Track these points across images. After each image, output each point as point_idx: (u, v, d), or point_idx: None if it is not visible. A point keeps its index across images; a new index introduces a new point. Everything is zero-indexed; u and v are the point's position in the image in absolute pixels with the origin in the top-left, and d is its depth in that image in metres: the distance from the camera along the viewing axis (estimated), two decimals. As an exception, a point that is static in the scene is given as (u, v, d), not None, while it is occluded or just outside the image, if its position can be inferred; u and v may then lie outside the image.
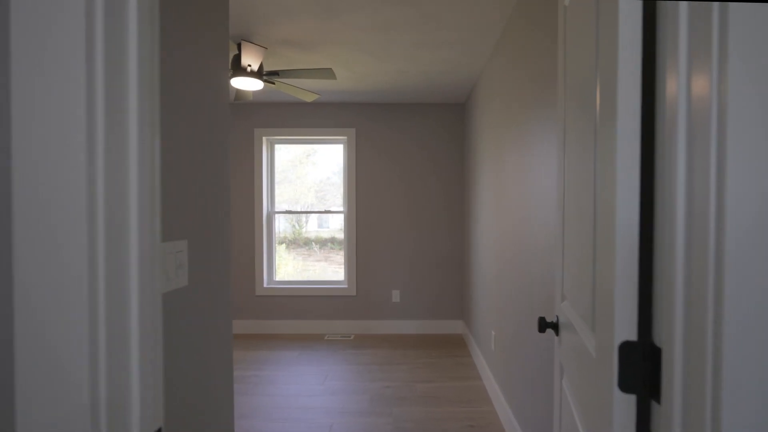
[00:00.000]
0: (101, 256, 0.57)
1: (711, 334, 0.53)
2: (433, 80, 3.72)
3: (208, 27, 1.20)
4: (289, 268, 4.74)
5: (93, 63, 0.55)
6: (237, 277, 4.64)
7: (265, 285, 4.64)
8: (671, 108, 0.61)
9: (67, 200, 0.55)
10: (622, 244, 0.69)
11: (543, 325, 1.34)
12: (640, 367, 0.66)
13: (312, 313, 4.63)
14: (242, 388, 3.14)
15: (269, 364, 3.63)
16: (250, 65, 2.80)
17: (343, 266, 4.74)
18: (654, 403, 0.66)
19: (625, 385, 0.68)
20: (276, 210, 4.78)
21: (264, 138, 4.63)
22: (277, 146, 4.80)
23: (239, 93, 3.31)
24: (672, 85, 0.61)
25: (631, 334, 0.68)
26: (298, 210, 4.80)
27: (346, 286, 4.63)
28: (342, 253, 4.73)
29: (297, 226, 4.73)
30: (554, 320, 1.34)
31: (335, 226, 4.74)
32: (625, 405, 0.68)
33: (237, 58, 2.85)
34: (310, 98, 3.44)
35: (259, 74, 2.93)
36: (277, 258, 4.78)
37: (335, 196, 4.73)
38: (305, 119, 4.59)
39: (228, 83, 1.32)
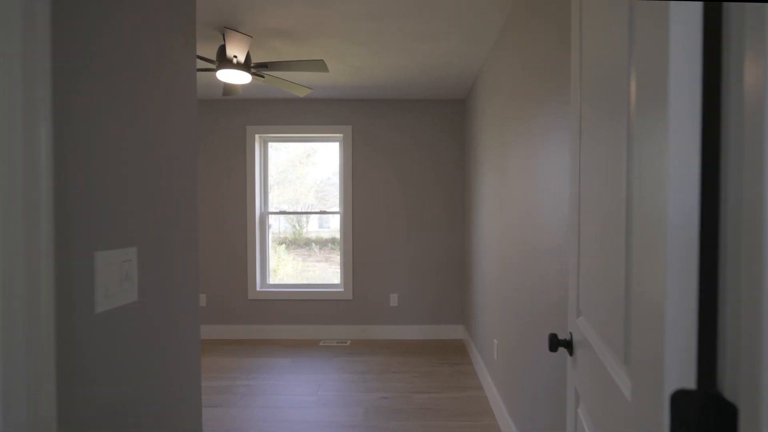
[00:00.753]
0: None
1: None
2: (432, 74, 3.55)
3: (164, -3, 1.03)
4: (288, 268, 4.59)
5: None
6: (228, 280, 4.47)
7: (258, 288, 4.47)
8: (755, 94, 0.45)
9: None
10: (674, 254, 0.52)
11: (555, 343, 1.17)
12: (702, 428, 0.49)
13: (307, 318, 4.46)
14: (229, 399, 2.96)
15: (260, 373, 3.46)
16: (236, 56, 2.63)
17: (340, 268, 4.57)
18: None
19: (681, 449, 0.50)
20: (269, 211, 4.61)
21: (257, 135, 4.45)
22: (276, 145, 4.63)
23: (227, 87, 3.14)
24: (755, 70, 0.45)
25: (688, 380, 0.51)
26: (295, 210, 4.64)
27: (342, 289, 4.45)
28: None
29: (297, 227, 4.58)
30: (567, 338, 1.17)
31: (336, 226, 4.58)
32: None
33: (222, 50, 2.68)
34: (302, 93, 3.27)
35: (246, 66, 2.76)
36: (276, 259, 4.62)
37: (336, 197, 4.57)
38: (299, 116, 4.42)
39: (195, 67, 1.15)
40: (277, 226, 4.66)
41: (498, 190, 2.75)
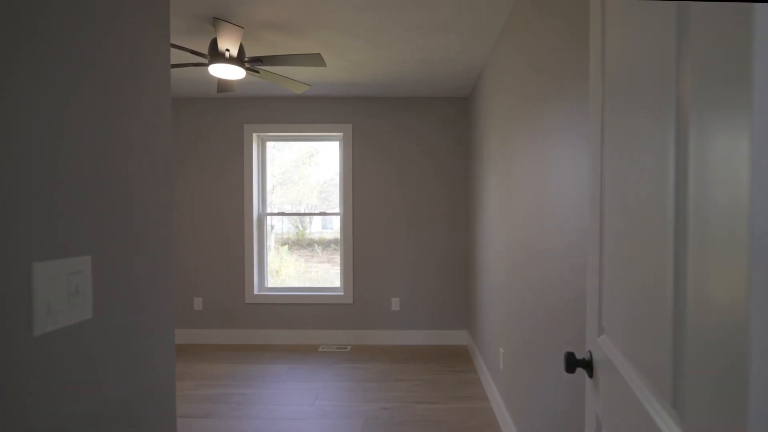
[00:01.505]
0: None
1: None
2: (434, 70, 3.41)
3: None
4: (291, 269, 4.47)
5: None
6: (225, 283, 4.34)
7: (255, 292, 4.35)
8: None
9: None
10: (760, 272, 0.38)
11: (572, 363, 1.03)
12: None
13: (306, 322, 4.33)
14: (222, 410, 2.83)
15: (256, 380, 3.33)
16: (228, 50, 2.50)
17: (340, 271, 4.44)
18: None
19: None
20: (268, 212, 4.48)
21: (254, 134, 4.33)
22: (279, 146, 4.50)
23: (221, 83, 3.01)
24: None
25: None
26: (297, 212, 4.52)
27: (342, 293, 4.32)
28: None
29: (300, 228, 4.47)
30: (586, 357, 1.04)
31: (339, 225, 4.46)
32: None
33: (214, 43, 2.56)
34: (299, 89, 3.14)
35: (240, 61, 2.64)
36: (279, 260, 4.51)
37: (338, 195, 4.45)
38: (299, 115, 4.29)
39: (168, 46, 1.02)
40: (280, 226, 4.55)
41: (504, 191, 2.61)
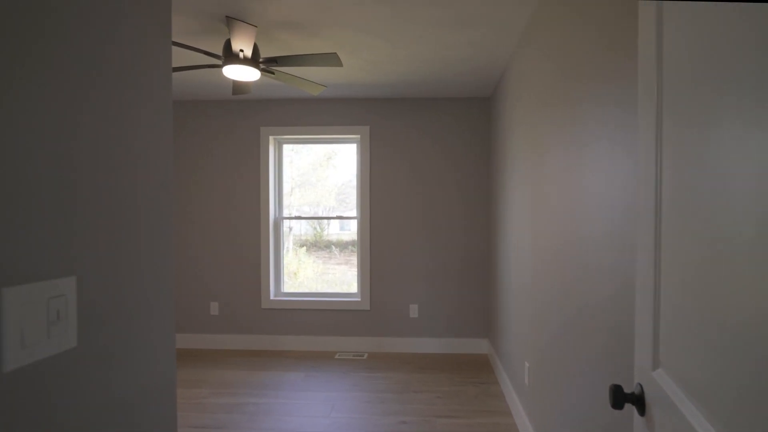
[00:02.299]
0: None
1: None
2: (454, 69, 3.29)
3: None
4: (309, 271, 4.41)
5: None
6: (241, 288, 4.29)
7: (271, 297, 4.28)
8: None
9: None
10: None
11: (620, 397, 0.90)
12: None
13: (322, 329, 4.24)
14: (236, 420, 2.76)
15: (271, 389, 3.25)
16: (242, 50, 2.43)
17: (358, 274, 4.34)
18: None
19: None
20: (284, 216, 4.42)
21: (271, 137, 4.27)
22: (297, 148, 4.44)
23: (236, 85, 2.95)
24: None
25: None
26: (315, 215, 4.46)
27: (359, 299, 4.22)
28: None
29: (318, 229, 4.41)
30: (636, 391, 0.91)
31: (356, 228, 4.38)
32: None
33: (228, 44, 2.49)
34: (315, 91, 3.05)
35: (254, 62, 2.56)
36: (297, 261, 4.45)
37: (356, 200, 4.38)
38: (315, 117, 4.21)
39: (170, 39, 0.93)
40: (299, 228, 4.50)
41: (530, 196, 2.47)
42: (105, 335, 0.77)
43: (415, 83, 3.64)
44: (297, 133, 4.23)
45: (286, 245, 4.46)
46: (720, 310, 0.60)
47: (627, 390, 1.21)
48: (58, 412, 0.69)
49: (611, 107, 1.38)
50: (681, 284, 0.73)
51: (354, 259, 4.36)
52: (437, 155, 4.14)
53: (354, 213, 4.38)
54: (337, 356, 4.01)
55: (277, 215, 4.39)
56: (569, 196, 1.79)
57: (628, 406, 1.27)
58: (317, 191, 4.47)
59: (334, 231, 4.51)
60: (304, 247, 4.51)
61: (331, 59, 2.53)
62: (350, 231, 4.44)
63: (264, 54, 2.95)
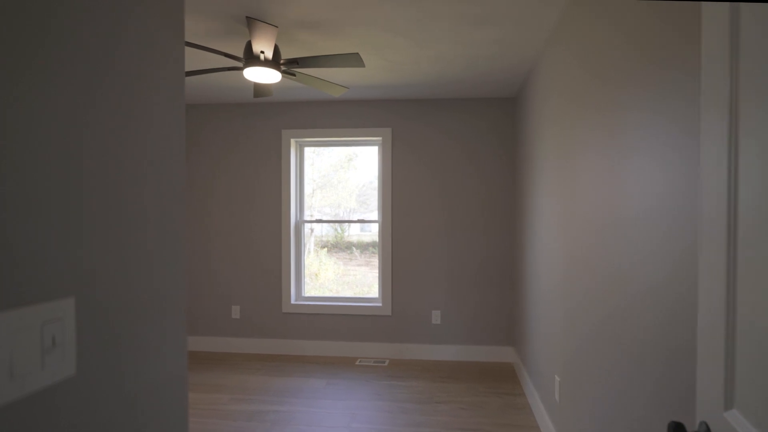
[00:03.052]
0: None
1: None
2: (479, 68, 3.18)
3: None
4: (330, 273, 4.36)
5: None
6: (262, 292, 4.26)
7: (292, 301, 4.24)
8: None
9: None
10: None
11: (682, 436, 0.79)
12: None
13: (343, 334, 4.17)
14: (256, 429, 2.70)
15: (291, 396, 3.20)
16: (263, 52, 2.38)
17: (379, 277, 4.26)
18: None
19: None
20: (305, 218, 4.37)
21: (292, 140, 4.23)
22: (319, 150, 4.39)
23: (258, 88, 2.91)
24: None
25: None
26: (336, 218, 4.41)
27: (380, 304, 4.14)
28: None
29: (339, 231, 4.36)
30: (700, 430, 0.79)
31: (377, 229, 4.32)
32: None
33: (249, 46, 2.44)
34: (337, 92, 2.99)
35: (275, 63, 2.51)
36: (318, 263, 4.40)
37: (377, 201, 4.31)
38: (337, 119, 4.15)
39: (182, 40, 0.86)
40: (320, 229, 4.47)
41: (560, 202, 2.34)
42: (108, 361, 0.71)
43: (439, 84, 3.55)
44: (318, 135, 4.18)
45: (307, 246, 4.42)
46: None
47: (690, 430, 1.09)
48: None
49: (655, 114, 1.26)
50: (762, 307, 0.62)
51: (375, 261, 4.29)
52: (460, 157, 4.03)
53: (375, 214, 4.31)
54: (358, 362, 3.94)
55: (298, 219, 4.35)
56: (607, 203, 1.66)
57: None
58: (338, 193, 4.43)
59: (354, 232, 4.46)
60: (325, 249, 4.46)
61: (352, 60, 2.45)
62: (371, 232, 4.38)
63: (285, 55, 2.90)
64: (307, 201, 4.42)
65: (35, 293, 0.59)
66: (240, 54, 2.92)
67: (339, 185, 4.43)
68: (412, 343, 4.08)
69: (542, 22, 2.41)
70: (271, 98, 4.09)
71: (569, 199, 2.19)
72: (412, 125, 4.07)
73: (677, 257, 1.13)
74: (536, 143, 3.00)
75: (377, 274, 4.24)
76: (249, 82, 3.56)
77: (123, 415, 0.74)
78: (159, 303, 0.82)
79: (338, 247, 4.46)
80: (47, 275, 0.61)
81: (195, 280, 4.33)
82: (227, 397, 3.19)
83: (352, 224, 4.45)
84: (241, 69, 2.55)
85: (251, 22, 2.12)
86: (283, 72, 2.64)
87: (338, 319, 4.17)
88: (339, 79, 3.44)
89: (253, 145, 4.26)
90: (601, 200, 1.73)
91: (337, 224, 4.47)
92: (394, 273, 4.09)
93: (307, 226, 4.43)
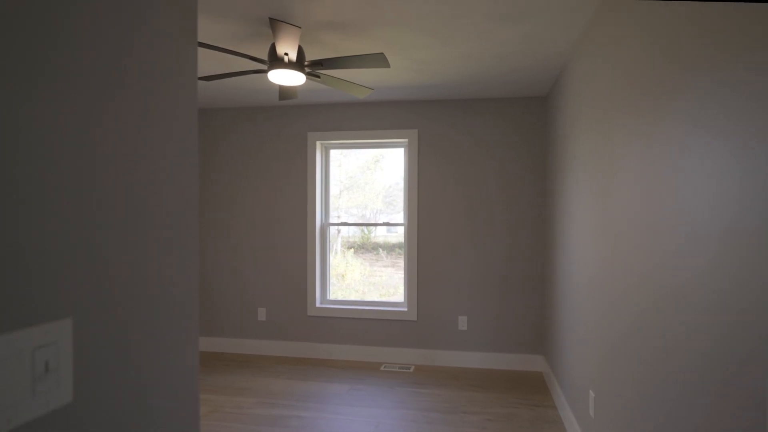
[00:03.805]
0: None
1: None
2: (509, 66, 3.06)
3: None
4: (356, 274, 4.32)
5: None
6: (288, 295, 4.25)
7: (317, 304, 4.21)
8: None
9: None
10: None
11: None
12: None
13: (368, 339, 4.12)
14: (279, 435, 2.68)
15: (314, 401, 3.16)
16: (287, 54, 2.34)
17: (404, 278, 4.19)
18: None
19: None
20: (331, 220, 4.34)
21: (318, 143, 4.21)
22: (345, 151, 4.36)
23: (283, 90, 2.88)
24: None
25: None
26: (361, 221, 4.37)
27: (405, 309, 4.06)
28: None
29: (365, 231, 4.33)
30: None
31: (403, 233, 4.26)
32: None
33: (273, 49, 2.41)
34: (362, 94, 2.93)
35: (299, 65, 2.47)
36: (345, 263, 4.37)
37: (403, 202, 4.26)
38: (362, 121, 4.11)
39: (195, 45, 0.82)
40: (347, 230, 4.44)
41: (597, 203, 2.22)
42: (110, 387, 0.66)
43: (465, 83, 3.45)
44: (344, 137, 4.14)
45: (334, 247, 4.40)
46: None
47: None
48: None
49: (696, 125, 1.14)
50: None
51: (401, 262, 4.23)
52: (488, 157, 3.91)
53: (401, 216, 4.24)
54: (382, 368, 3.88)
55: (323, 221, 4.32)
56: (650, 211, 1.54)
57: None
58: (365, 194, 4.40)
59: (381, 233, 4.42)
60: (352, 249, 4.43)
61: (377, 60, 2.39)
62: (397, 233, 4.32)
63: (309, 57, 2.86)
64: (335, 202, 4.40)
65: (24, 315, 0.54)
66: (265, 57, 2.91)
67: (366, 186, 4.40)
68: (438, 349, 3.98)
69: (575, 18, 2.29)
70: (296, 101, 4.08)
71: (605, 204, 2.06)
72: (438, 126, 3.98)
73: (738, 266, 1.02)
74: (569, 145, 2.86)
75: (402, 275, 4.17)
76: (274, 85, 3.55)
77: (124, 442, 0.69)
78: (169, 321, 0.77)
79: (365, 247, 4.42)
80: (40, 295, 0.56)
81: (221, 282, 4.37)
82: (252, 400, 3.18)
83: (379, 225, 4.40)
84: (266, 72, 2.53)
85: (274, 23, 2.09)
86: (307, 74, 2.60)
87: (363, 324, 4.12)
88: (364, 81, 3.38)
89: (279, 148, 4.26)
90: (644, 208, 1.60)
91: (363, 225, 4.43)
92: (420, 278, 4.01)
93: (332, 231, 4.40)
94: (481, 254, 3.92)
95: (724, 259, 1.07)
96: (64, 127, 0.59)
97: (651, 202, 1.53)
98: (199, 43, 2.24)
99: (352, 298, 4.32)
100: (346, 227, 4.47)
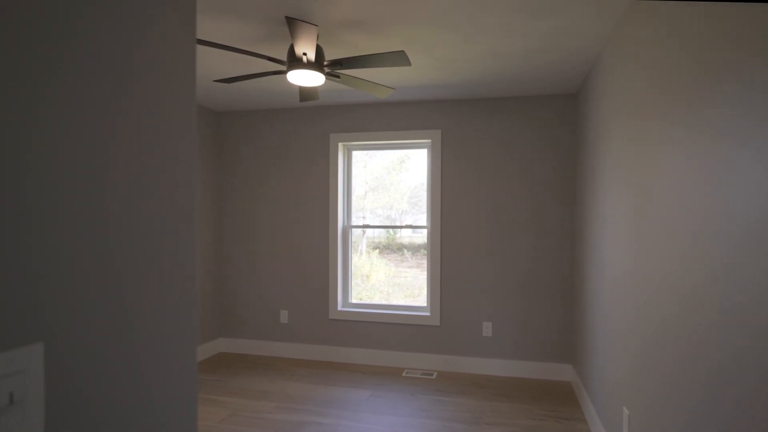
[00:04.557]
0: None
1: None
2: (535, 62, 2.93)
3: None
4: (381, 274, 4.26)
5: None
6: (310, 298, 4.22)
7: (339, 308, 4.16)
8: None
9: None
10: None
11: None
12: None
13: (390, 343, 4.04)
14: (297, 442, 2.63)
15: (334, 407, 3.10)
16: (305, 53, 2.29)
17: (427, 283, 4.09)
18: None
19: None
20: (353, 222, 4.29)
21: (340, 144, 4.16)
22: (371, 152, 4.30)
23: (303, 91, 2.84)
24: None
25: None
26: (382, 222, 4.30)
27: (428, 313, 3.97)
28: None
29: (391, 232, 4.26)
30: None
31: (426, 235, 4.17)
32: None
33: (291, 49, 2.37)
34: (383, 94, 2.86)
35: (319, 65, 2.42)
36: (369, 264, 4.32)
37: (426, 209, 4.17)
38: (384, 121, 4.03)
39: (194, 44, 0.76)
40: (372, 230, 4.38)
41: (632, 206, 2.07)
42: (87, 420, 0.61)
43: (490, 81, 3.33)
44: (366, 138, 4.08)
45: (359, 248, 4.34)
46: None
47: None
48: None
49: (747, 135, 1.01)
50: None
51: (425, 263, 4.13)
52: (512, 157, 3.77)
53: (418, 223, 4.15)
54: (404, 374, 3.79)
55: (345, 224, 4.27)
56: (696, 216, 1.41)
57: None
58: (390, 195, 4.33)
59: (406, 234, 4.33)
60: (377, 250, 4.37)
61: (398, 58, 2.31)
62: (422, 234, 4.23)
63: (328, 57, 2.81)
64: (360, 203, 4.35)
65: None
66: (284, 58, 2.87)
67: (391, 187, 4.34)
68: (462, 355, 3.87)
69: (607, 9, 2.15)
70: (317, 102, 4.04)
71: (641, 209, 1.92)
72: (461, 126, 3.86)
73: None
74: (602, 145, 2.71)
75: (426, 276, 4.08)
76: (295, 87, 3.52)
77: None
78: (160, 343, 0.71)
79: (390, 248, 4.35)
80: (2, 317, 0.50)
81: (244, 284, 4.37)
82: (272, 405, 3.15)
83: (402, 228, 4.32)
84: (285, 72, 2.49)
85: (291, 21, 2.04)
86: (326, 74, 2.55)
87: (385, 328, 4.05)
88: (385, 80, 3.31)
89: (301, 150, 4.23)
90: (689, 211, 1.47)
91: (385, 228, 4.36)
92: (443, 281, 3.91)
93: (354, 234, 4.35)
94: (506, 258, 3.79)
95: (783, 275, 0.94)
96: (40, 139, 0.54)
97: (695, 210, 1.40)
98: (218, 44, 2.21)
99: (377, 299, 4.26)
100: (369, 230, 4.41)
